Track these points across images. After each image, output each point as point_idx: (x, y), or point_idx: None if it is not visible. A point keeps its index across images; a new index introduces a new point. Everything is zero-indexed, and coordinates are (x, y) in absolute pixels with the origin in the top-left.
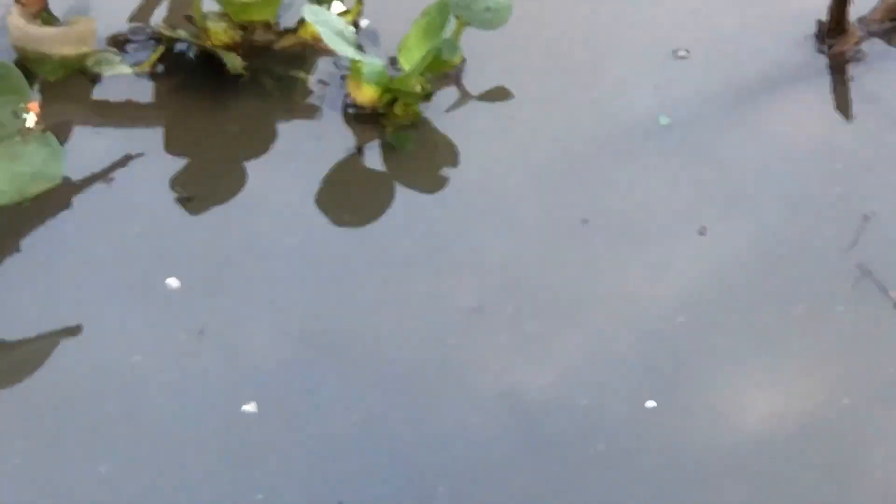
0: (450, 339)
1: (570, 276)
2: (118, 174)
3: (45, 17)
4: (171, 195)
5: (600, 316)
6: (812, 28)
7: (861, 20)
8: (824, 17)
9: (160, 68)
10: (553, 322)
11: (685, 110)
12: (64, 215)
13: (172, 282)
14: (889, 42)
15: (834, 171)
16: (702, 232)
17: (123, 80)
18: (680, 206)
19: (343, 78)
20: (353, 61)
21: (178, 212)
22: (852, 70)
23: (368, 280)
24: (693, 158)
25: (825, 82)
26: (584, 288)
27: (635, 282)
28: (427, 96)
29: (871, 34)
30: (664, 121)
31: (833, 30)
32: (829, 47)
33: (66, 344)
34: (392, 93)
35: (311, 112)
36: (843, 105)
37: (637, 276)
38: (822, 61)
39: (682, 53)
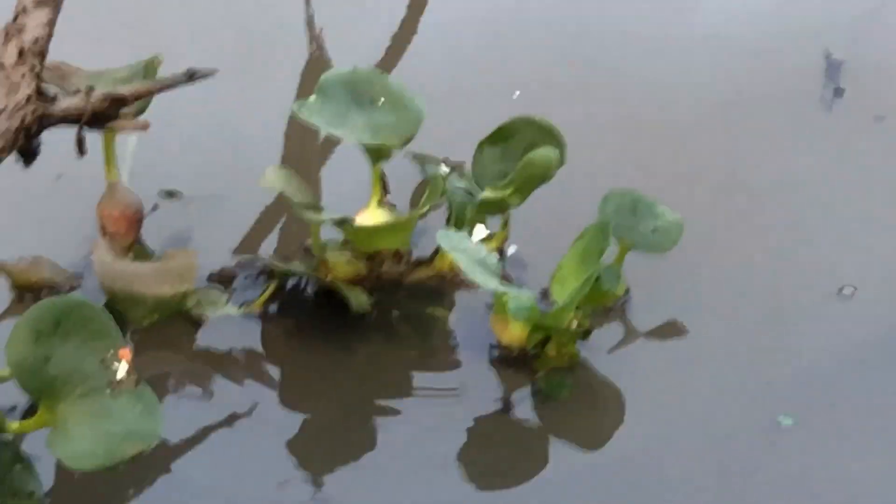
0: None
1: None
2: (224, 434)
3: (138, 251)
4: (290, 462)
5: None
6: None
7: None
8: None
9: (272, 308)
10: None
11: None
12: (161, 483)
13: None
14: None
15: None
16: None
17: (229, 322)
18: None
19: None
20: (498, 295)
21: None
22: None
23: None
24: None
25: None
26: None
27: None
28: (585, 334)
29: None
30: (786, 421)
31: None
32: None
33: None
34: (544, 331)
35: (450, 356)
36: None
37: None
38: None
39: (846, 291)
